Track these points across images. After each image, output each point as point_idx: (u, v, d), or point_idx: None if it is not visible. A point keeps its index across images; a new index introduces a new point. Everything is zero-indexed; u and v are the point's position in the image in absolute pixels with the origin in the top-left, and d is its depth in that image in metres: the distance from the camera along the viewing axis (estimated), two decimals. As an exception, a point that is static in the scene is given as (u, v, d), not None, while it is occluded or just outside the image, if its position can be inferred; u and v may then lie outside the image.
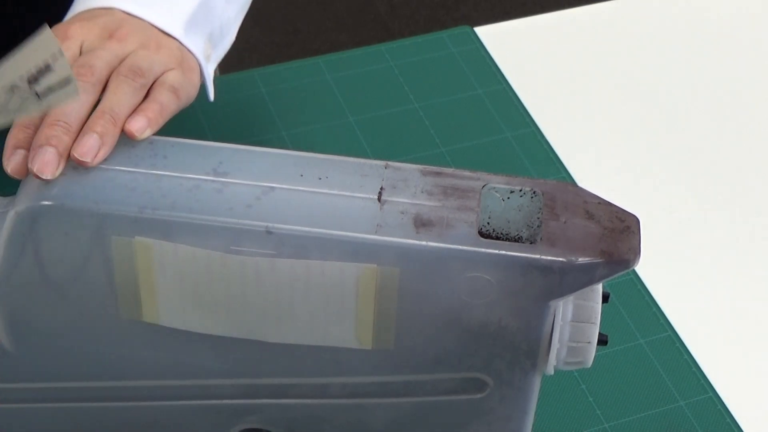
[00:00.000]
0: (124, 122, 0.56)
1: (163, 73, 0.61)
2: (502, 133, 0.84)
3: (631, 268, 0.53)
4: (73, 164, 0.55)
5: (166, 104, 0.59)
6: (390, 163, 0.56)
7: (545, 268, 0.52)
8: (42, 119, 0.56)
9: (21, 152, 0.56)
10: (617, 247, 0.53)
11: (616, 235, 0.53)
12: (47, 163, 0.54)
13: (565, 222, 0.54)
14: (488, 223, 0.56)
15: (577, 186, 0.56)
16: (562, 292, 0.53)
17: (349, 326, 0.55)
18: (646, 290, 0.75)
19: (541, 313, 0.54)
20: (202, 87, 0.67)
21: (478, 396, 0.58)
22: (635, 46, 0.92)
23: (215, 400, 0.59)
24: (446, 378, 0.57)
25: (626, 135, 0.86)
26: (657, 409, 0.69)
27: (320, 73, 0.87)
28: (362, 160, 0.56)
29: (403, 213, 0.54)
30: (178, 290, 0.55)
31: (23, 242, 0.54)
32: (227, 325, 0.56)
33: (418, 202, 0.54)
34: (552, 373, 0.56)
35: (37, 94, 0.52)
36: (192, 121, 0.83)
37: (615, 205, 0.55)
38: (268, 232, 0.53)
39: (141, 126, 0.57)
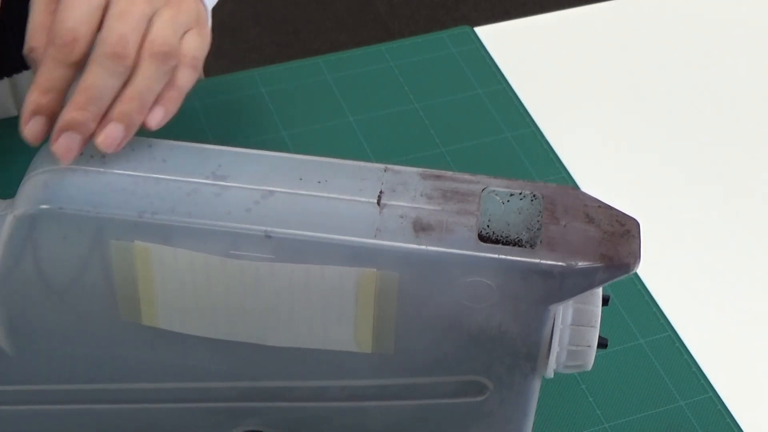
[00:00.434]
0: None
1: (183, 39, 0.58)
2: (502, 133, 0.84)
3: (631, 273, 0.53)
4: (71, 167, 0.55)
5: (185, 88, 0.57)
6: (389, 166, 0.56)
7: (545, 273, 0.52)
8: (63, 83, 0.54)
9: (41, 119, 0.54)
10: (617, 252, 0.53)
11: (616, 239, 0.53)
12: (70, 150, 0.53)
13: (565, 226, 0.54)
14: (488, 226, 0.56)
15: (577, 189, 0.56)
16: (562, 296, 0.53)
17: (349, 330, 0.55)
18: (646, 290, 0.75)
19: (540, 317, 0.54)
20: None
21: (478, 399, 0.58)
22: (635, 46, 0.92)
23: (214, 403, 0.59)
24: (446, 381, 0.57)
25: (626, 135, 0.86)
26: (657, 409, 0.69)
27: (320, 73, 0.87)
28: (361, 164, 0.56)
29: (402, 217, 0.54)
30: (177, 294, 0.55)
31: (22, 246, 0.54)
32: (226, 328, 0.56)
33: (417, 205, 0.54)
34: (552, 376, 0.56)
35: None
36: (192, 121, 0.83)
37: (615, 209, 0.55)
38: (267, 237, 0.53)
39: (159, 119, 0.56)
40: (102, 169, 0.55)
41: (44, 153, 0.56)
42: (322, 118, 0.84)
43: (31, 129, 0.54)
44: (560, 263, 0.52)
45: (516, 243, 0.56)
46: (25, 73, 0.84)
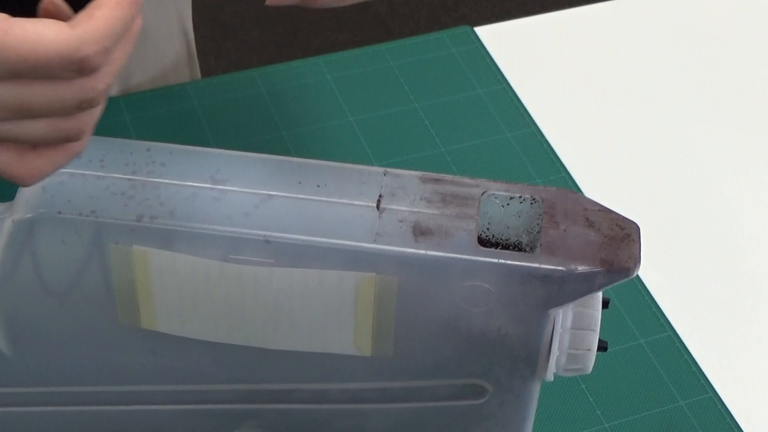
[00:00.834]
0: None
1: None
2: (502, 133, 0.84)
3: (631, 277, 0.53)
4: (70, 171, 0.55)
5: None
6: (388, 170, 0.56)
7: (545, 277, 0.52)
8: None
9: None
10: (617, 256, 0.53)
11: (616, 243, 0.53)
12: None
13: (564, 230, 0.54)
14: (488, 229, 0.56)
15: (577, 193, 0.56)
16: (561, 300, 0.53)
17: (348, 334, 0.55)
18: (646, 290, 0.75)
19: (540, 321, 0.54)
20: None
21: (478, 402, 0.58)
22: (636, 46, 0.92)
23: (214, 405, 0.59)
24: (445, 384, 0.57)
25: (626, 135, 0.85)
26: (657, 409, 0.69)
27: (320, 73, 0.87)
28: (361, 167, 0.56)
29: (402, 221, 0.54)
30: (176, 298, 0.55)
31: (20, 250, 0.54)
32: (226, 332, 0.56)
33: (417, 210, 0.54)
34: (552, 379, 0.56)
35: None
36: (192, 121, 0.83)
37: (615, 213, 0.55)
38: (267, 241, 0.53)
39: None
40: (100, 173, 0.55)
41: None
42: (322, 118, 0.84)
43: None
44: (560, 268, 0.52)
45: (516, 246, 0.56)
46: None
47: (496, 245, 0.56)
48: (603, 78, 0.89)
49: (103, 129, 0.73)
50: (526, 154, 0.83)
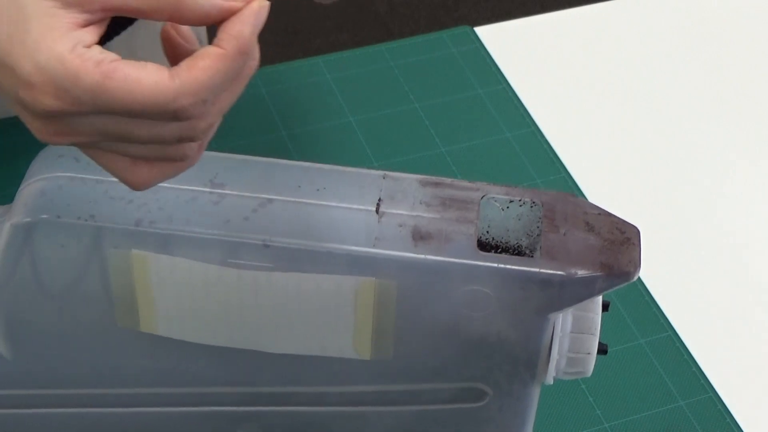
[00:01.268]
0: None
1: None
2: (502, 133, 0.84)
3: (631, 281, 0.53)
4: (69, 174, 0.55)
5: None
6: (388, 173, 0.56)
7: (544, 282, 0.52)
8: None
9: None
10: (617, 260, 0.52)
11: (616, 247, 0.53)
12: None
13: (564, 234, 0.54)
14: (487, 232, 0.56)
15: (577, 196, 0.56)
16: (561, 304, 0.53)
17: (348, 338, 0.55)
18: (646, 290, 0.75)
19: (540, 326, 0.54)
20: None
21: (477, 405, 0.58)
22: (635, 46, 0.92)
23: (213, 407, 0.59)
24: (445, 387, 0.57)
25: (626, 135, 0.85)
26: (657, 409, 0.69)
27: (320, 73, 0.87)
28: (360, 171, 0.56)
29: (401, 226, 0.54)
30: (175, 302, 0.55)
31: (19, 253, 0.54)
32: (225, 335, 0.56)
33: (416, 214, 0.54)
34: (551, 383, 0.56)
35: None
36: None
37: (615, 216, 0.55)
38: (266, 246, 0.53)
39: None
40: (99, 177, 0.55)
41: (42, 160, 0.56)
42: (322, 118, 0.84)
43: None
44: (560, 272, 0.52)
45: (516, 249, 0.56)
46: None
47: (495, 248, 0.56)
48: (603, 78, 0.89)
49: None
50: (526, 154, 0.83)
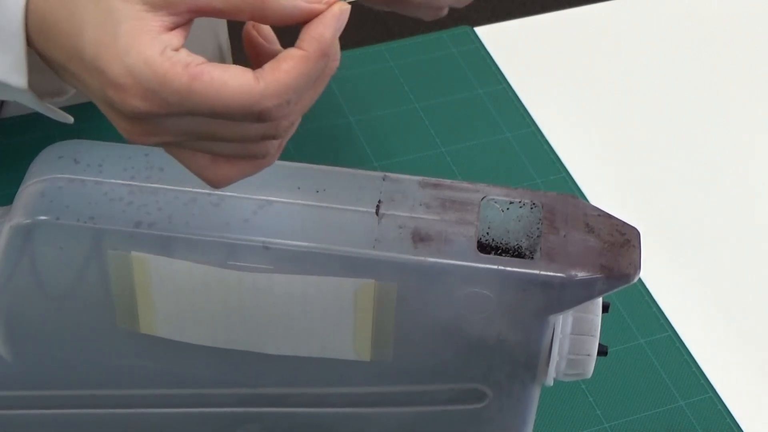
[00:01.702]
0: None
1: None
2: (502, 133, 0.84)
3: (631, 283, 0.53)
4: (68, 176, 0.55)
5: None
6: (388, 174, 0.56)
7: (544, 284, 0.52)
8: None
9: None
10: (617, 262, 0.52)
11: (616, 249, 0.53)
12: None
13: (564, 236, 0.53)
14: (487, 233, 0.56)
15: (577, 198, 0.56)
16: (561, 306, 0.53)
17: (348, 339, 0.55)
18: (646, 290, 0.75)
19: (540, 327, 0.54)
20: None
21: (478, 406, 0.58)
22: (635, 46, 0.92)
23: (213, 408, 0.59)
24: (445, 389, 0.57)
25: (626, 135, 0.85)
26: (657, 409, 0.69)
27: (319, 72, 0.87)
28: (360, 172, 0.56)
29: (401, 227, 0.53)
30: (175, 303, 0.55)
31: (19, 255, 0.54)
32: (225, 337, 0.56)
33: (416, 215, 0.54)
34: (551, 384, 0.56)
35: None
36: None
37: (615, 218, 0.55)
38: (266, 248, 0.53)
39: None
40: (99, 179, 0.55)
41: (41, 161, 0.56)
42: (322, 118, 0.84)
43: None
44: (560, 274, 0.52)
45: (516, 250, 0.56)
46: None
47: (495, 250, 0.56)
48: (603, 78, 0.89)
49: (105, 132, 0.73)
50: (526, 154, 0.83)
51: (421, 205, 0.54)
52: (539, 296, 0.52)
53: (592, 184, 0.81)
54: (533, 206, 0.55)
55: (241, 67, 0.45)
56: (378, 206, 0.54)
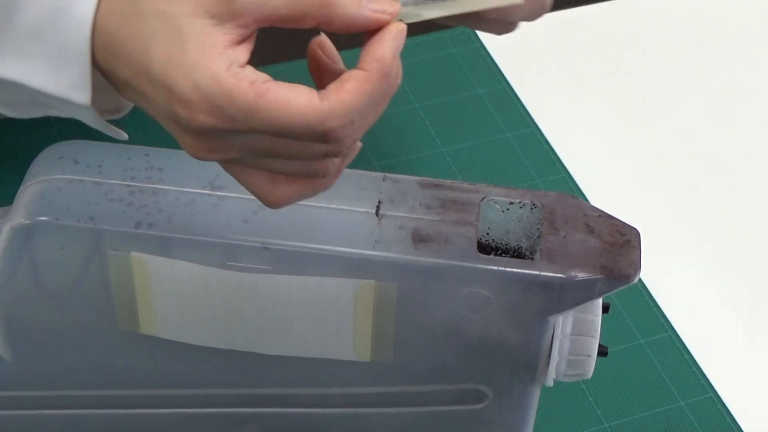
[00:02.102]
0: None
1: None
2: (502, 133, 0.84)
3: (631, 283, 0.53)
4: (68, 176, 0.55)
5: None
6: (388, 175, 0.56)
7: (544, 284, 0.52)
8: None
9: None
10: (617, 263, 0.52)
11: (616, 249, 0.53)
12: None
13: (564, 236, 0.53)
14: (487, 234, 0.56)
15: (577, 198, 0.56)
16: (561, 307, 0.53)
17: (348, 340, 0.55)
18: (646, 290, 0.75)
19: (540, 328, 0.54)
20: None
21: (478, 406, 0.58)
22: (635, 46, 0.92)
23: (213, 409, 0.59)
24: (445, 389, 0.57)
25: (626, 135, 0.85)
26: (657, 409, 0.69)
27: (319, 72, 0.87)
28: (360, 172, 0.56)
29: (401, 228, 0.53)
30: (175, 304, 0.55)
31: (19, 255, 0.54)
32: (225, 338, 0.56)
33: (416, 216, 0.54)
34: (551, 385, 0.56)
35: None
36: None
37: (615, 218, 0.55)
38: (265, 248, 0.53)
39: None
40: (99, 179, 0.55)
41: (41, 162, 0.56)
42: (321, 118, 0.84)
43: None
44: (560, 275, 0.52)
45: (516, 251, 0.56)
46: None
47: (495, 250, 0.56)
48: (603, 78, 0.89)
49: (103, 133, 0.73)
50: (526, 154, 0.83)
51: (421, 205, 0.54)
52: (539, 297, 0.52)
53: (592, 184, 0.81)
54: (533, 207, 0.55)
55: (306, 87, 0.45)
56: (378, 207, 0.54)
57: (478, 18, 0.61)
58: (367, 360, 0.56)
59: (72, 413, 0.60)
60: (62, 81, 0.48)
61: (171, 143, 0.56)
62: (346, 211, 0.54)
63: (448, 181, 0.56)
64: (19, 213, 0.54)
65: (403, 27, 0.46)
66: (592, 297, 0.52)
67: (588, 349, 0.55)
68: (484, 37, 0.91)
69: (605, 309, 0.57)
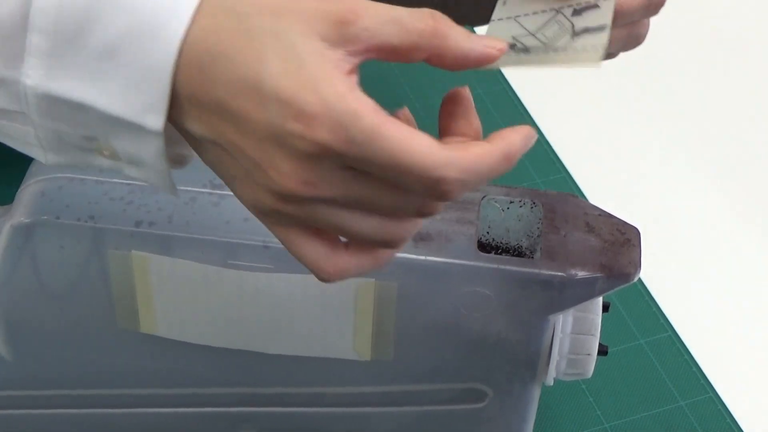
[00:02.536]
0: None
1: None
2: (502, 133, 0.84)
3: (631, 282, 0.53)
4: (68, 175, 0.55)
5: None
6: (389, 174, 0.56)
7: (545, 283, 0.52)
8: None
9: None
10: (617, 261, 0.52)
11: (616, 248, 0.53)
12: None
13: (564, 235, 0.53)
14: (488, 233, 0.56)
15: (578, 197, 0.56)
16: (561, 306, 0.53)
17: (348, 339, 0.55)
18: (646, 290, 0.75)
19: (540, 326, 0.54)
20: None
21: (478, 405, 0.58)
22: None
23: (213, 408, 0.59)
24: (445, 388, 0.57)
25: (626, 134, 0.85)
26: (657, 409, 0.69)
27: (319, 72, 0.87)
28: (361, 171, 0.56)
29: (401, 227, 0.53)
30: (175, 303, 0.55)
31: (19, 254, 0.54)
32: (225, 337, 0.56)
33: (416, 214, 0.54)
34: (552, 384, 0.56)
35: (574, 29, 0.46)
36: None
37: (616, 217, 0.55)
38: (266, 247, 0.53)
39: None
40: (99, 178, 0.55)
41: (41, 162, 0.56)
42: (321, 118, 0.84)
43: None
44: (560, 273, 0.52)
45: (516, 250, 0.56)
46: None
47: (496, 249, 0.56)
48: (603, 78, 0.89)
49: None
50: (526, 154, 0.82)
51: (421, 204, 0.54)
52: (539, 295, 0.52)
53: (592, 184, 0.81)
54: (533, 205, 0.55)
55: (424, 133, 0.44)
56: (378, 205, 0.54)
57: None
58: (367, 359, 0.56)
59: (72, 413, 0.60)
60: (135, 102, 0.44)
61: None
62: (346, 210, 0.54)
63: (449, 180, 0.56)
64: (20, 212, 0.54)
65: (535, 135, 0.45)
66: (592, 295, 0.52)
67: (588, 348, 0.55)
68: (484, 37, 0.91)
69: (605, 308, 0.57)
